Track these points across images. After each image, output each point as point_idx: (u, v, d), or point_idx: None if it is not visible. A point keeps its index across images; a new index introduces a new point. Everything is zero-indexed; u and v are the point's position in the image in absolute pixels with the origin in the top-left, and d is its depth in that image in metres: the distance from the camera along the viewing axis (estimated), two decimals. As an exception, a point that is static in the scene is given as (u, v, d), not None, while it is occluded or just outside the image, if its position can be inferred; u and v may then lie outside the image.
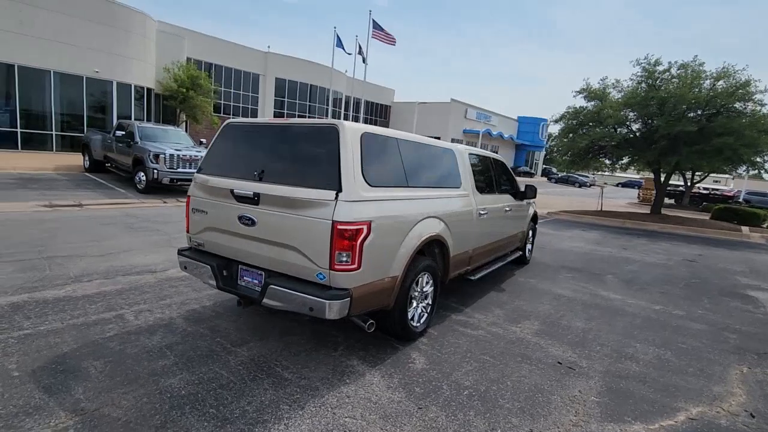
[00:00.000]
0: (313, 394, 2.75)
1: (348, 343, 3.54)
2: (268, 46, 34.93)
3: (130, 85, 20.74)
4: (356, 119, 34.74)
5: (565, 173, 49.98)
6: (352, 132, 2.98)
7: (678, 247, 10.14)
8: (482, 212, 4.70)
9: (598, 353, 3.72)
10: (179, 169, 11.11)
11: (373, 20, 28.33)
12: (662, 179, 15.41)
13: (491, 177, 5.32)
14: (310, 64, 34.53)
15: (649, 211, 16.16)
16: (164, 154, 10.85)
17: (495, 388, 2.99)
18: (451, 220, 4.01)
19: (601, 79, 14.40)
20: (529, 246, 7.11)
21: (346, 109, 37.03)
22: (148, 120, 21.86)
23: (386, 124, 44.90)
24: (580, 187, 42.89)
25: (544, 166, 56.60)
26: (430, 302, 3.91)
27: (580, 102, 15.07)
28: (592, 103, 14.46)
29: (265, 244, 3.10)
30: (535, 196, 6.36)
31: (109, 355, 3.05)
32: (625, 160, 15.47)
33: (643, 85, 13.71)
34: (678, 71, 13.14)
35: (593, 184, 47.13)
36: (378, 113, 44.80)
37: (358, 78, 31.75)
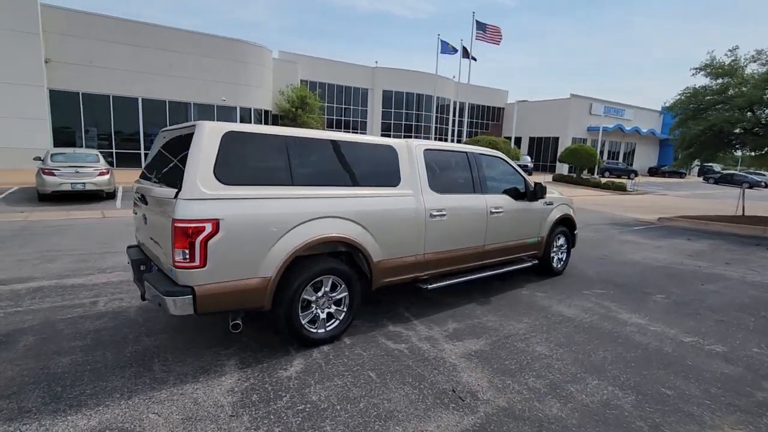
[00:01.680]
0: (155, 387, 2.83)
1: (247, 343, 3.53)
2: (376, 62, 36.74)
3: (250, 109, 23.97)
4: (460, 123, 34.02)
5: (736, 170, 40.67)
6: (211, 131, 3.01)
7: (826, 263, 7.41)
8: (437, 213, 4.20)
9: (522, 386, 3.00)
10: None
11: (477, 21, 27.64)
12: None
13: (466, 175, 4.72)
14: (415, 74, 35.09)
15: (818, 217, 12.15)
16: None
17: (338, 408, 2.66)
18: (373, 221, 3.70)
19: (730, 50, 11.43)
20: (559, 255, 6.05)
21: (454, 114, 36.50)
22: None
23: (499, 127, 42.91)
24: (750, 187, 34.35)
25: (704, 164, 46.86)
26: (345, 309, 3.66)
27: (702, 81, 12.14)
28: (719, 81, 11.58)
29: (152, 240, 3.33)
30: (544, 196, 5.42)
31: (48, 333, 3.61)
32: (775, 150, 11.89)
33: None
34: None
35: (771, 184, 37.29)
36: (489, 116, 43.11)
37: (467, 83, 31.18)
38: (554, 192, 6.10)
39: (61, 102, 19.21)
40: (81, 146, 19.51)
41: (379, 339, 3.71)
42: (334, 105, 33.58)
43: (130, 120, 20.85)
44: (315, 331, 3.50)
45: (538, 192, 5.31)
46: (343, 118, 34.27)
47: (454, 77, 35.05)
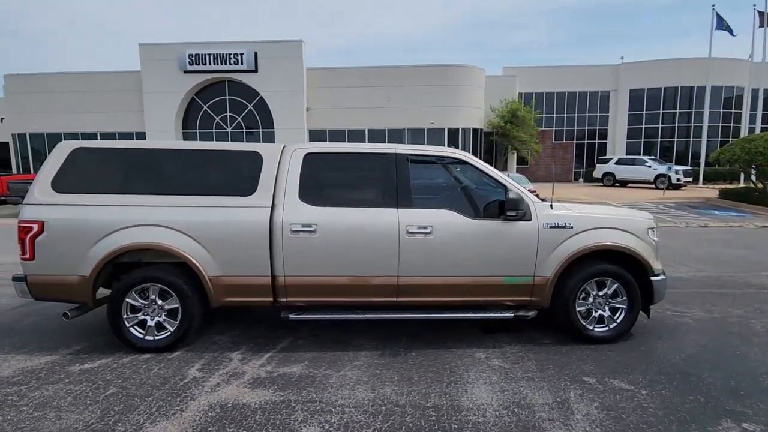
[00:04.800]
0: None
1: (93, 342, 3.79)
2: (621, 58, 30.34)
3: (458, 129, 24.58)
4: (752, 118, 24.14)
5: None
6: (60, 148, 3.62)
7: None
8: (302, 229, 3.47)
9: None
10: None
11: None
12: None
13: (376, 183, 3.65)
14: (677, 62, 27.29)
15: None
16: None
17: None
18: (205, 233, 3.47)
19: None
20: (602, 311, 3.71)
21: (751, 107, 26.21)
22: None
23: None
24: None
25: None
26: (178, 321, 3.55)
27: None
28: None
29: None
30: (512, 212, 3.46)
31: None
32: None
33: None
34: None
35: None
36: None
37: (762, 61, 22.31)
38: (579, 206, 3.87)
39: (315, 138, 25.09)
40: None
41: (194, 360, 3.39)
42: (564, 114, 30.00)
43: (359, 148, 25.10)
44: (142, 337, 3.55)
45: (512, 205, 3.48)
46: (575, 128, 30.19)
47: (750, 58, 25.43)
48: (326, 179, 3.70)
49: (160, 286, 3.52)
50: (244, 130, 25.56)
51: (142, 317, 3.57)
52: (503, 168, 26.88)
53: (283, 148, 3.73)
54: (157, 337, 3.57)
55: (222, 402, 2.78)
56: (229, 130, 25.72)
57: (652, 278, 3.73)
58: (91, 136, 25.36)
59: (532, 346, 3.67)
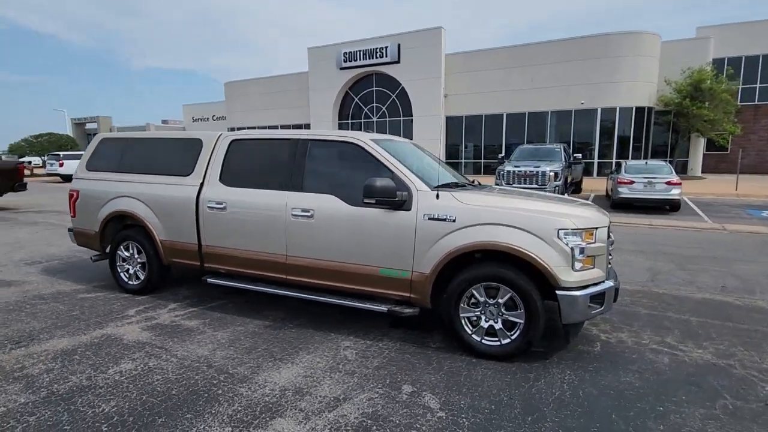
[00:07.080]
0: None
1: (111, 281, 5.16)
2: None
3: (615, 108, 20.89)
4: None
5: None
6: (95, 138, 5.01)
7: None
8: (215, 206, 4.02)
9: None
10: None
11: None
12: None
13: (281, 168, 3.87)
14: None
15: None
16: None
17: None
18: (156, 204, 4.37)
19: None
20: (493, 322, 3.15)
21: None
22: (637, 141, 21.01)
23: None
24: None
25: None
26: (146, 272, 4.56)
27: None
28: None
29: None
30: (369, 199, 3.18)
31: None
32: None
33: None
34: None
35: None
36: None
37: None
38: (484, 196, 3.26)
39: (451, 125, 24.98)
40: (460, 160, 24.72)
41: (144, 303, 4.32)
42: (793, 83, 22.13)
43: (496, 134, 23.91)
44: (126, 281, 4.70)
45: (367, 192, 3.25)
46: (811, 100, 21.97)
47: None
48: (242, 163, 4.11)
49: (136, 243, 4.58)
50: (388, 119, 27.20)
51: (127, 266, 4.71)
52: (685, 155, 21.82)
53: (219, 136, 4.31)
54: (134, 283, 4.66)
55: (112, 334, 3.59)
56: (375, 119, 27.76)
57: (558, 292, 2.96)
58: (273, 128, 30.91)
59: (410, 347, 3.40)
